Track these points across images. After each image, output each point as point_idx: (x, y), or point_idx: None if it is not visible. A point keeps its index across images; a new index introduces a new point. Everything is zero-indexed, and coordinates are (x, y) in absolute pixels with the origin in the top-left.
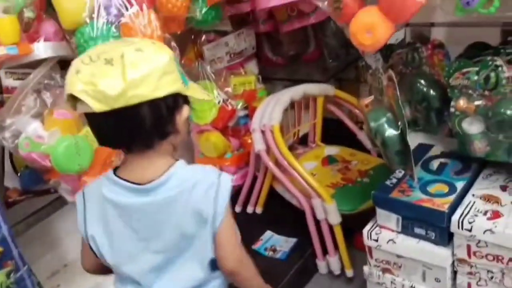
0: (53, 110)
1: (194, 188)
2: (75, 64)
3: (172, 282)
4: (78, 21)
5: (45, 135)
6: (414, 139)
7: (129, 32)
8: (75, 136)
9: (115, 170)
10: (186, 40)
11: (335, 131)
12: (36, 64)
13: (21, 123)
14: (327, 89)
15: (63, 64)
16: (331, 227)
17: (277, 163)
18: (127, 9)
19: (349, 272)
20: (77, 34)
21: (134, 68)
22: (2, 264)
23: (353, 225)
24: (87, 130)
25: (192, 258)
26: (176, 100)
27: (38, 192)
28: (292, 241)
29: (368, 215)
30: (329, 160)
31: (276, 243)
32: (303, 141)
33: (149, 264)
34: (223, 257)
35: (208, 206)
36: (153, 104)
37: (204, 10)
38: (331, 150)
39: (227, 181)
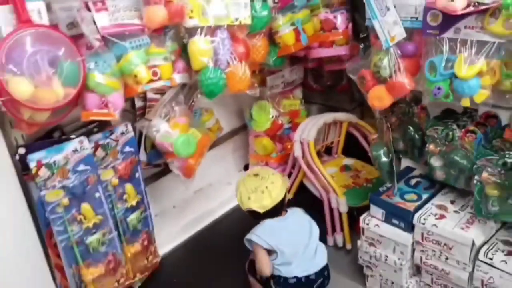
0: (176, 117)
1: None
2: (245, 194)
3: None
4: (203, 66)
5: (171, 132)
6: (404, 163)
7: (232, 76)
8: (187, 134)
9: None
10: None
11: (353, 146)
12: None
13: (159, 123)
14: (351, 117)
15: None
16: (340, 214)
17: (308, 166)
18: (233, 62)
19: (349, 245)
20: (201, 74)
21: (274, 190)
22: (139, 207)
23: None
24: (193, 130)
25: None
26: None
27: (155, 164)
28: None
29: (367, 209)
30: (346, 168)
31: None
32: (328, 151)
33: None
34: None
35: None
36: (281, 200)
37: (274, 58)
38: (348, 161)
39: None
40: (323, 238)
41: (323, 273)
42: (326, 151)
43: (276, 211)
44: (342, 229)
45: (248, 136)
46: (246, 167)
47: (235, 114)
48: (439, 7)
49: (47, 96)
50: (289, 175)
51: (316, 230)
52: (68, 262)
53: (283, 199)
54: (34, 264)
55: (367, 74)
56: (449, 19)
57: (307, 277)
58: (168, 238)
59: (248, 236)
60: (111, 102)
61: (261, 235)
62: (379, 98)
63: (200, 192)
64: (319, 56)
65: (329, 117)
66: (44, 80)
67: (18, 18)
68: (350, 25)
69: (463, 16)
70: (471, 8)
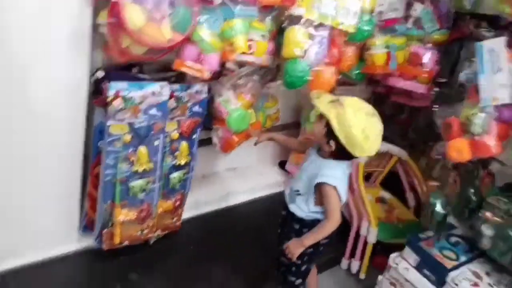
0: (244, 92)
1: None
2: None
3: None
4: (293, 56)
5: (233, 101)
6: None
7: (317, 76)
8: (246, 111)
9: None
10: None
11: (392, 180)
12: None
13: (227, 89)
14: (403, 154)
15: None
16: (365, 243)
17: (350, 185)
18: (324, 63)
19: (363, 275)
20: (289, 63)
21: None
22: (185, 168)
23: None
24: (252, 111)
25: None
26: None
27: (205, 127)
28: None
29: (389, 247)
30: (381, 200)
31: None
32: (366, 177)
33: None
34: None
35: None
36: None
37: (357, 72)
38: (385, 194)
39: None
40: (337, 260)
41: None
42: (365, 177)
43: None
44: (361, 258)
45: (295, 135)
46: (280, 164)
47: (291, 110)
48: None
49: (154, 34)
50: None
51: None
52: (104, 197)
53: None
54: (68, 183)
55: (455, 123)
56: None
57: None
58: (191, 205)
59: (332, 182)
60: (207, 61)
61: (342, 185)
62: (459, 150)
63: (231, 171)
64: (397, 85)
65: (383, 146)
66: (157, 18)
67: None
68: (437, 67)
69: None
70: None
